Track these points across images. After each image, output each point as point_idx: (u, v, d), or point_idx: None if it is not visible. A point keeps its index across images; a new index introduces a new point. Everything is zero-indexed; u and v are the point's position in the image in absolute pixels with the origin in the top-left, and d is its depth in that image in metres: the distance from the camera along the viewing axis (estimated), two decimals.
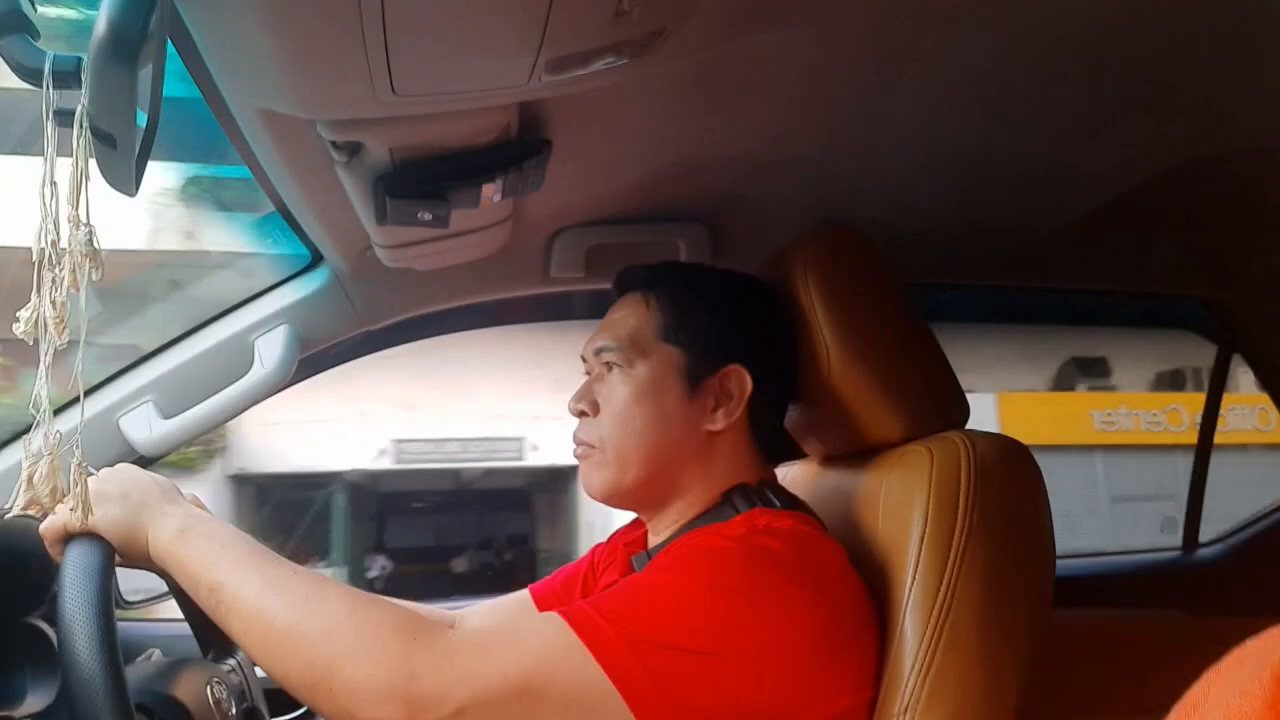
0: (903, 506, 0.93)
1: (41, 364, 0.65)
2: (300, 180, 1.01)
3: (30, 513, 0.79)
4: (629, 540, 1.15)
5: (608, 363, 1.02)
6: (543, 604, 1.19)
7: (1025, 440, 0.96)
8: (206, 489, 9.37)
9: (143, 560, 0.84)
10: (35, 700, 0.92)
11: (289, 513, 10.88)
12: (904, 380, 1.01)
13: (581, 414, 1.03)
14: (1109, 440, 9.57)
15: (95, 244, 0.62)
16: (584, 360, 1.07)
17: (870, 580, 0.92)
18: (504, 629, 0.83)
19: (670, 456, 0.99)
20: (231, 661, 1.10)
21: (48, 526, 0.82)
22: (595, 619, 0.78)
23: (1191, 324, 1.90)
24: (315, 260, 1.31)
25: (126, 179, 0.67)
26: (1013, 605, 0.89)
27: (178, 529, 0.82)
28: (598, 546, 1.22)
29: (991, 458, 0.92)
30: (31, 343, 0.64)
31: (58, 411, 0.74)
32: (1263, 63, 1.05)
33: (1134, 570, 1.89)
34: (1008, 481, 0.92)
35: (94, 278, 0.63)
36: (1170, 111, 1.15)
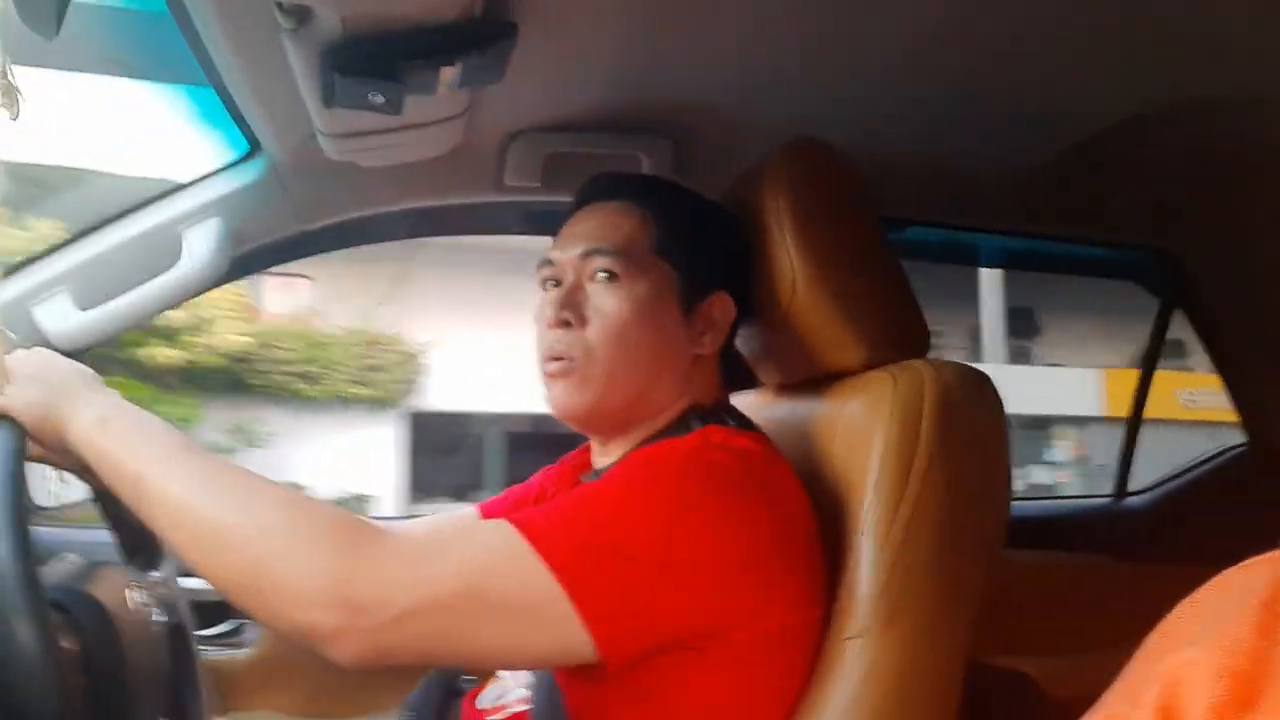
0: (863, 431, 0.91)
1: None
2: (242, 52, 0.93)
3: None
4: (577, 464, 1.12)
5: (604, 269, 0.94)
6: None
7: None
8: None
9: (58, 449, 0.79)
10: None
11: (466, 450, 11.09)
12: (870, 306, 0.99)
13: (564, 324, 0.94)
14: (1191, 416, 9.99)
15: (10, 79, 0.55)
16: (550, 264, 0.97)
17: (824, 504, 0.91)
18: (449, 534, 0.79)
19: (656, 379, 0.95)
20: (156, 574, 1.05)
21: None
22: (543, 525, 0.75)
23: (1137, 276, 1.92)
24: (252, 151, 1.23)
25: (47, 19, 0.59)
26: (971, 532, 0.89)
27: (99, 416, 0.77)
28: (547, 469, 1.18)
29: (955, 384, 0.90)
30: None
31: None
32: (1215, 15, 1.04)
33: (1066, 515, 1.94)
34: (970, 408, 0.91)
35: (9, 116, 0.56)
36: (1133, 58, 1.13)
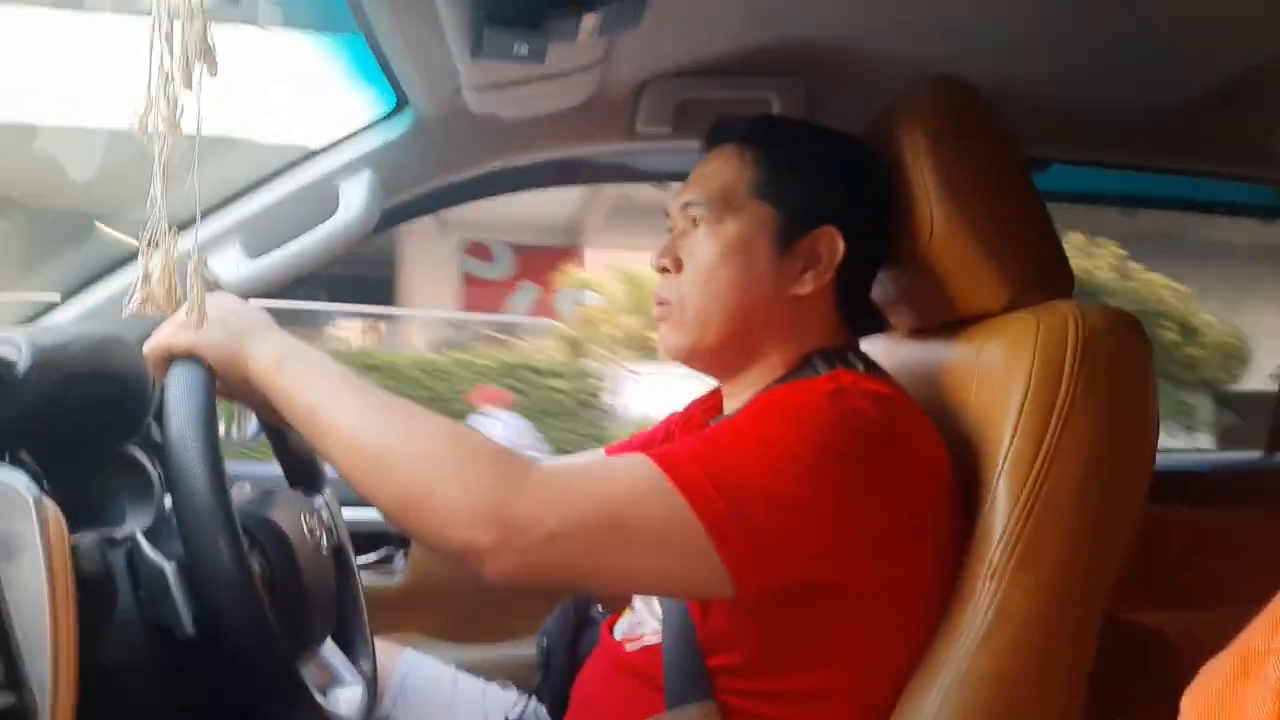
0: (1002, 374, 0.90)
1: (157, 160, 0.64)
2: (395, 11, 0.98)
3: (147, 310, 0.79)
4: (707, 406, 1.14)
5: (694, 218, 0.98)
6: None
7: None
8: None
9: (240, 386, 0.85)
10: (134, 523, 0.96)
11: None
12: (1012, 246, 0.96)
13: (664, 270, 1.00)
14: None
15: (210, 40, 0.60)
16: (668, 216, 1.03)
17: (961, 447, 0.91)
18: (594, 465, 0.82)
19: (753, 319, 0.96)
20: (319, 499, 1.14)
21: (152, 345, 0.83)
22: (684, 460, 0.77)
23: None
24: (400, 105, 1.29)
25: None
26: (1112, 481, 0.86)
27: (276, 355, 0.82)
28: (674, 415, 1.21)
29: (1102, 328, 0.88)
30: (144, 140, 0.62)
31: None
32: None
33: (1215, 469, 1.85)
34: (1117, 353, 0.88)
35: (209, 74, 0.61)
36: None
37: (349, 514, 1.14)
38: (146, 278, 0.74)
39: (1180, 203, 1.90)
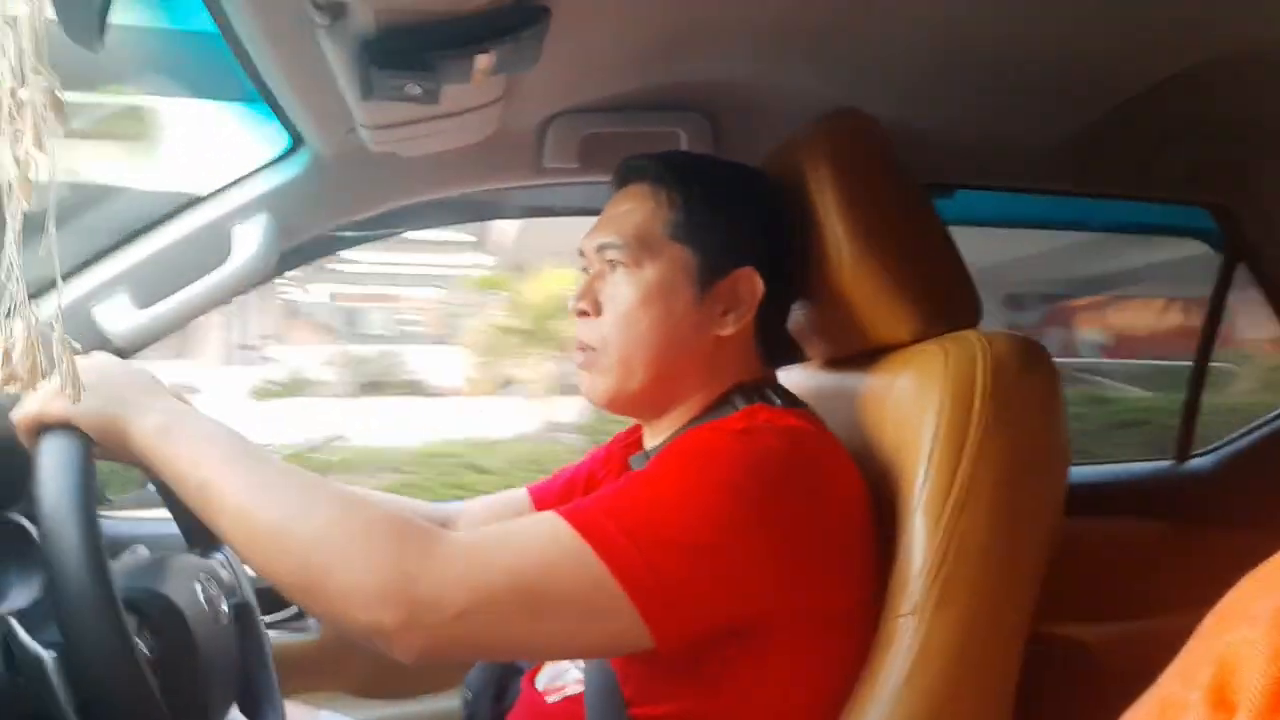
0: (914, 405, 0.90)
1: (9, 228, 0.59)
2: (281, 52, 0.94)
3: (9, 389, 0.73)
4: (627, 443, 1.13)
5: (614, 260, 0.96)
6: (540, 505, 1.16)
7: None
8: None
9: (121, 454, 0.80)
10: (19, 596, 0.90)
11: None
12: (919, 277, 0.97)
13: (583, 314, 0.98)
14: None
15: (59, 94, 0.56)
16: (582, 255, 1.01)
17: (875, 481, 0.90)
18: (502, 530, 0.79)
19: (675, 362, 0.95)
20: (219, 555, 1.08)
21: (21, 415, 0.77)
22: (597, 516, 0.75)
23: (1199, 233, 1.86)
24: (295, 145, 1.24)
25: (89, 29, 0.60)
26: (1028, 507, 0.87)
27: (160, 424, 0.77)
28: (596, 451, 1.19)
29: (1008, 356, 0.88)
30: None
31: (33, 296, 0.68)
32: None
33: (1126, 479, 1.90)
34: (1024, 380, 0.89)
35: (58, 132, 0.57)
36: (1179, 13, 1.09)
37: None
38: (6, 354, 0.68)
39: (1084, 223, 1.97)
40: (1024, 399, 0.88)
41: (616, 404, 0.99)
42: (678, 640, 0.76)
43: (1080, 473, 1.90)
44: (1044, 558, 0.88)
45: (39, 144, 0.59)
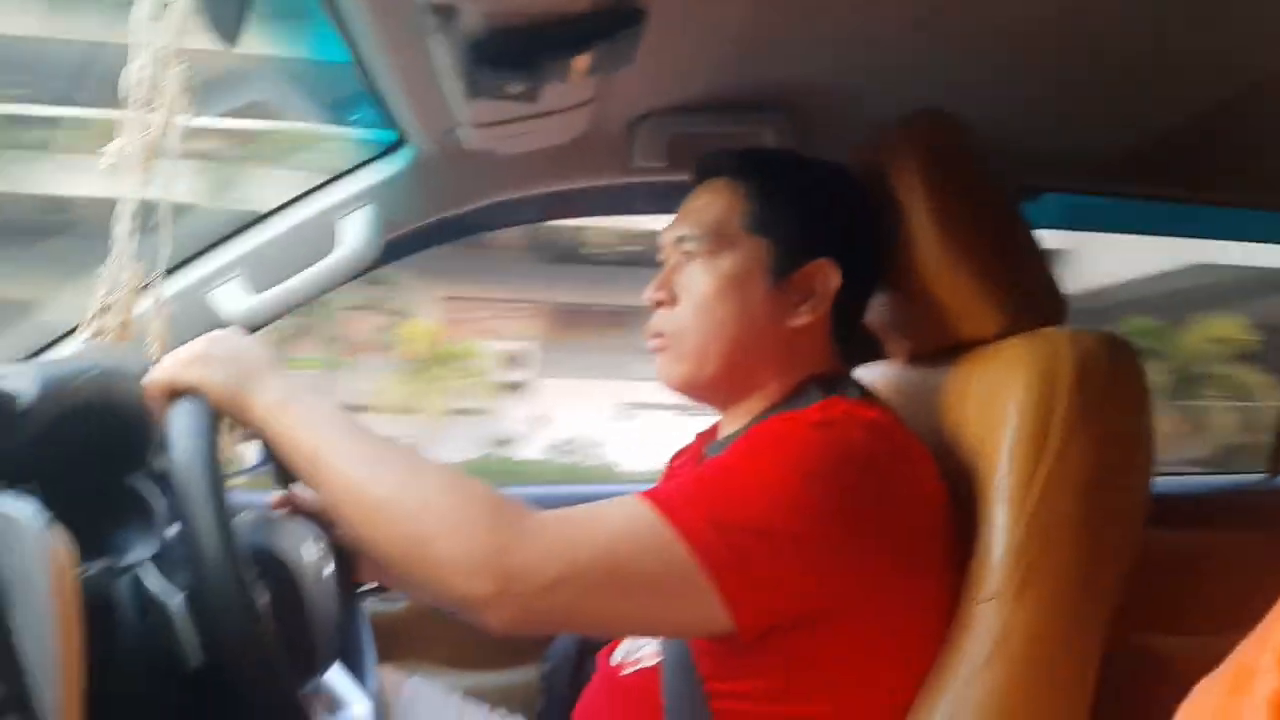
0: (997, 399, 0.90)
1: (128, 198, 0.65)
2: (392, 52, 1.00)
3: (101, 342, 0.80)
4: (706, 436, 1.15)
5: (690, 250, 0.99)
6: None
7: None
8: None
9: (241, 422, 0.85)
10: (136, 553, 0.97)
11: None
12: (1005, 274, 0.97)
13: (659, 304, 1.01)
14: None
15: (189, 84, 0.62)
16: (661, 249, 1.05)
17: (955, 474, 0.91)
18: (590, 510, 0.81)
19: (749, 351, 0.97)
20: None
21: (153, 380, 0.84)
22: (680, 501, 0.78)
23: None
24: (399, 142, 1.31)
25: (230, 25, 0.66)
26: (1109, 503, 0.87)
27: (279, 398, 0.82)
28: (678, 451, 1.22)
29: (1094, 353, 0.89)
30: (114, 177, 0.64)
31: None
32: None
33: (1219, 491, 1.85)
34: (1110, 378, 0.89)
35: (186, 115, 0.63)
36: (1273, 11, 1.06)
37: None
38: (103, 309, 0.75)
39: (1174, 226, 1.91)
40: (1109, 396, 0.89)
41: (691, 390, 1.01)
42: (756, 624, 0.78)
43: (1171, 483, 1.85)
44: (1126, 555, 0.88)
45: (170, 126, 0.66)
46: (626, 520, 0.78)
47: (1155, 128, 1.35)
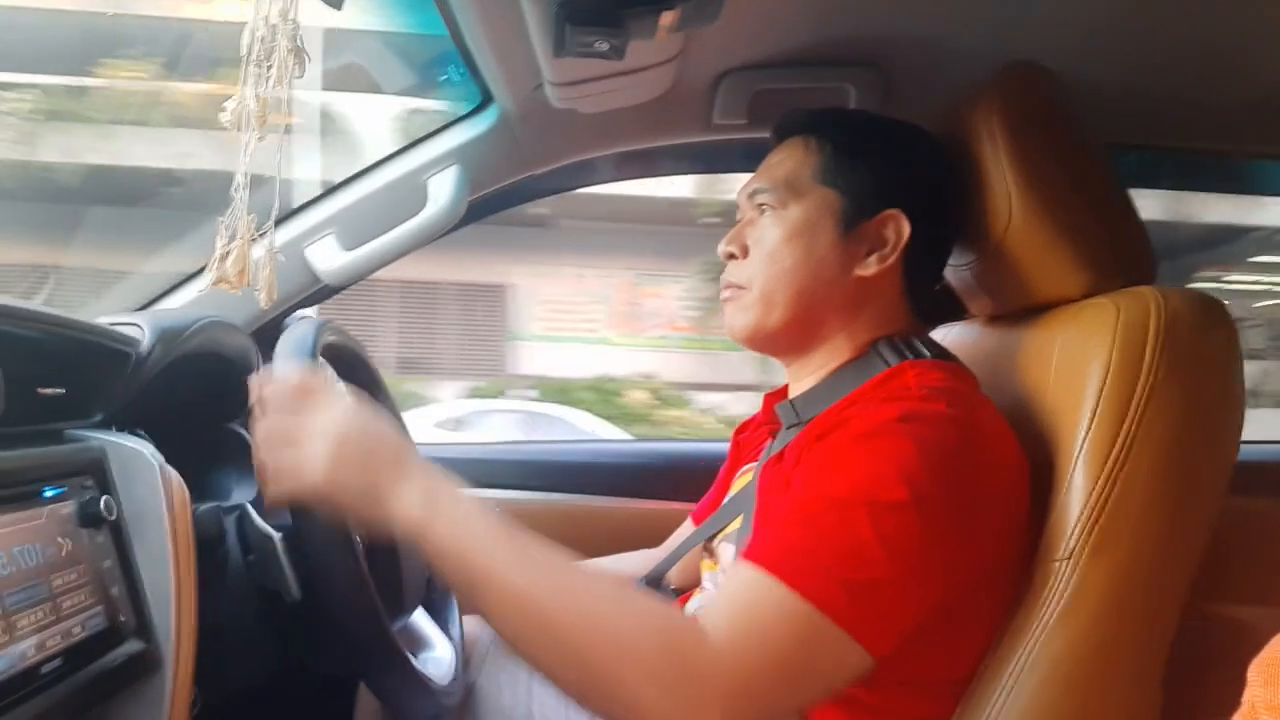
0: (1080, 361, 0.89)
1: (243, 153, 0.69)
2: (481, 11, 1.02)
3: (220, 289, 0.85)
4: (772, 398, 1.14)
5: (761, 205, 1.01)
6: (699, 518, 1.23)
7: None
8: None
9: (379, 526, 0.79)
10: (240, 494, 1.04)
11: None
12: (1092, 232, 0.96)
13: (731, 256, 1.03)
14: None
15: (300, 42, 0.65)
16: (739, 206, 1.06)
17: (1035, 434, 0.91)
18: (748, 619, 0.76)
19: (817, 299, 0.98)
20: None
21: (277, 495, 0.80)
22: (809, 569, 0.76)
23: None
24: (485, 102, 1.34)
25: None
26: (1193, 467, 0.86)
27: (424, 510, 0.77)
28: (739, 427, 1.23)
29: (1184, 312, 0.87)
30: (236, 131, 0.68)
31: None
32: None
33: None
34: (1199, 339, 0.87)
35: (297, 75, 0.66)
36: None
37: None
38: (222, 258, 0.80)
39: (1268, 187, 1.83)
40: (1198, 357, 0.87)
41: (757, 340, 1.02)
42: (891, 649, 0.79)
43: (1258, 450, 1.79)
44: (1208, 519, 0.87)
45: (282, 84, 0.69)
46: (781, 620, 0.75)
47: (1258, 85, 1.30)
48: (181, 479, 0.82)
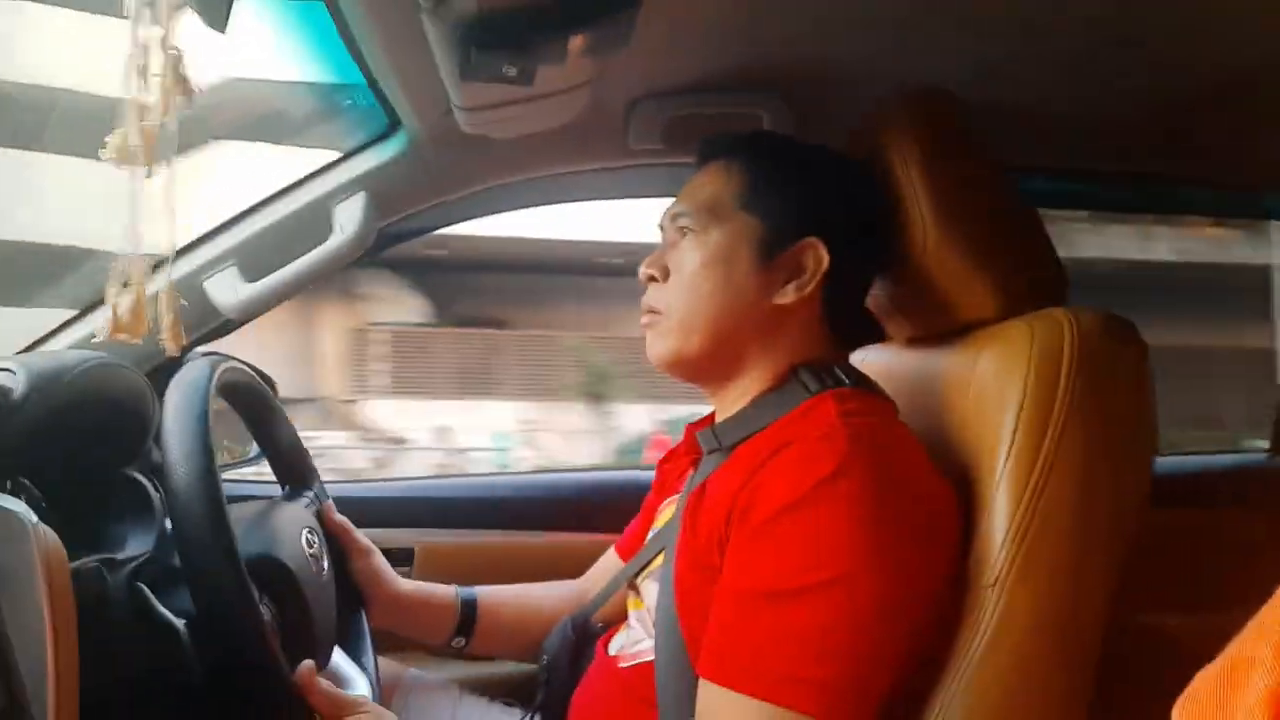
0: (998, 384, 0.89)
1: (131, 194, 0.65)
2: (385, 35, 0.99)
3: (118, 339, 0.79)
4: (693, 427, 1.12)
5: (683, 228, 1.00)
6: (624, 554, 1.22)
7: None
8: None
9: None
10: (134, 546, 0.97)
11: None
12: (1005, 253, 0.96)
13: (651, 279, 1.02)
14: None
15: (183, 71, 0.61)
16: (661, 229, 1.05)
17: (957, 459, 0.91)
18: None
19: (734, 327, 0.97)
20: (309, 493, 1.15)
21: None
22: (774, 671, 0.78)
23: None
24: (392, 127, 1.30)
25: (218, 11, 0.65)
26: (1112, 484, 0.86)
27: None
28: (663, 457, 1.22)
29: (1097, 333, 0.88)
30: (119, 168, 0.63)
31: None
32: None
33: (1221, 470, 1.85)
34: (1113, 357, 0.88)
35: (182, 106, 0.62)
36: None
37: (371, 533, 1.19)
38: (116, 307, 0.75)
39: (1160, 204, 1.90)
40: (1111, 375, 0.88)
41: (677, 367, 1.01)
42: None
43: (1173, 463, 1.85)
44: (1128, 536, 0.88)
45: (165, 116, 0.65)
46: None
47: (1156, 107, 1.34)
48: (59, 540, 0.75)
